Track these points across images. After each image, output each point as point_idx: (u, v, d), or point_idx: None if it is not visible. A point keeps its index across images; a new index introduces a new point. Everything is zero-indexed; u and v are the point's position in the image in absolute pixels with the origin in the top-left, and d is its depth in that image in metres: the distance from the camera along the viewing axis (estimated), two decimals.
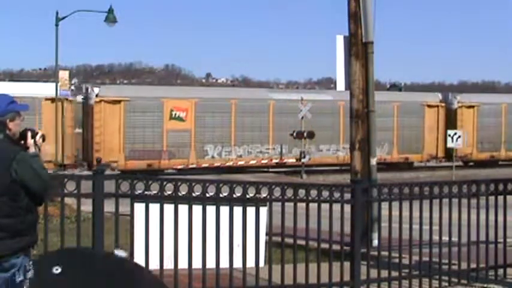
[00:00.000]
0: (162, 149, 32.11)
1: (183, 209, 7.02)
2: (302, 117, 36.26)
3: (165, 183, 7.03)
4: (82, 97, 33.08)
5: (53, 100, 29.88)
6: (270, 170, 35.46)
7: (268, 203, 7.45)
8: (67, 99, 31.00)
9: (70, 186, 6.54)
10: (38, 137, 4.51)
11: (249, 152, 34.22)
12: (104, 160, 29.71)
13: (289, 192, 7.51)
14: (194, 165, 32.55)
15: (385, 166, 36.71)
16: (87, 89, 33.18)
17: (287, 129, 34.32)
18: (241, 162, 33.90)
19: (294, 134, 36.42)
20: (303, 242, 7.62)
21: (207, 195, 7.16)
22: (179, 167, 32.39)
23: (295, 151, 35.27)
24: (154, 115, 31.96)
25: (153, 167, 31.79)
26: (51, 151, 29.15)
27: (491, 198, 8.63)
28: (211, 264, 7.01)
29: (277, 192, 7.41)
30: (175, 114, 32.46)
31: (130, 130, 31.69)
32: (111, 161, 31.12)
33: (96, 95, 31.42)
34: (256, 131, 34.22)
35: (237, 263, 7.19)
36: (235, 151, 33.77)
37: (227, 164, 33.21)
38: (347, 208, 7.79)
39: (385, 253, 8.08)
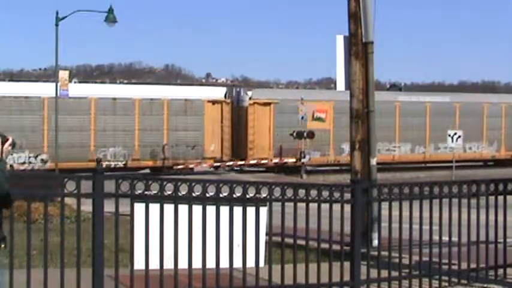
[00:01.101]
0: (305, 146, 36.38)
1: (183, 209, 7.02)
2: (302, 117, 36.33)
3: (165, 183, 7.03)
4: (232, 100, 36.80)
5: (214, 102, 34.88)
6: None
7: (268, 203, 7.45)
8: (225, 101, 35.32)
9: (70, 186, 6.54)
10: (7, 144, 4.52)
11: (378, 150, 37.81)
12: (255, 156, 34.92)
13: (289, 192, 7.51)
14: (333, 162, 37.18)
15: (493, 163, 40.13)
16: (238, 92, 37.21)
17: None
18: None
19: (294, 134, 36.50)
20: (303, 242, 7.62)
21: (207, 195, 7.16)
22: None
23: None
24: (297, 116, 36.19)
25: (297, 163, 36.09)
26: (213, 148, 34.79)
27: (491, 198, 8.63)
28: (211, 264, 7.01)
29: (277, 192, 7.41)
30: (316, 115, 36.90)
31: (278, 129, 36.01)
32: (261, 157, 35.29)
33: (250, 98, 35.86)
34: (385, 131, 37.17)
35: (237, 263, 7.19)
36: None
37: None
38: (347, 208, 7.79)
39: (385, 253, 8.08)
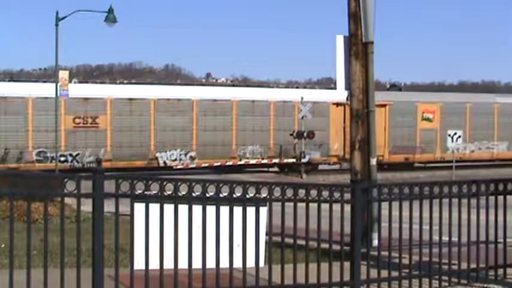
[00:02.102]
0: (416, 145, 39.77)
1: (183, 209, 7.02)
2: (302, 117, 36.34)
3: (165, 183, 7.03)
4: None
5: (337, 104, 36.89)
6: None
7: (268, 203, 7.45)
8: (347, 104, 35.17)
9: (70, 186, 6.54)
10: None
11: (479, 148, 41.66)
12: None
13: (289, 192, 7.50)
14: (439, 159, 40.03)
15: None
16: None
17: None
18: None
19: (294, 134, 36.53)
20: (303, 242, 7.62)
21: (207, 195, 7.16)
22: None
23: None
24: (410, 117, 39.49)
25: (409, 160, 39.65)
26: (336, 146, 37.98)
27: (491, 198, 8.63)
28: (211, 264, 7.01)
29: (277, 192, 7.41)
30: (425, 116, 40.40)
31: (392, 130, 38.97)
32: (378, 155, 36.21)
33: None
34: (484, 129, 41.38)
35: (237, 263, 7.20)
36: (468, 147, 40.63)
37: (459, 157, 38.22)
38: (347, 208, 7.79)
39: (385, 253, 8.08)
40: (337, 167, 38.72)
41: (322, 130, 37.86)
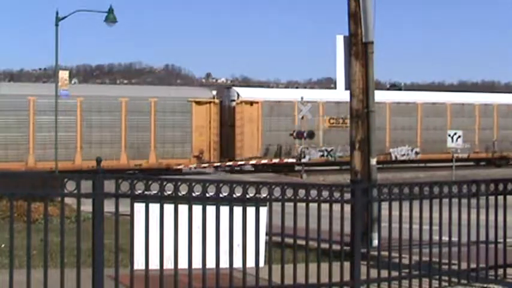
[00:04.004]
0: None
1: (183, 209, 7.02)
2: (302, 117, 36.33)
3: (165, 183, 7.03)
4: None
5: None
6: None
7: (268, 203, 7.45)
8: None
9: (70, 186, 6.54)
10: None
11: None
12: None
13: (289, 192, 7.50)
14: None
15: None
16: None
17: None
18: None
19: (294, 134, 36.52)
20: (303, 242, 7.62)
21: (207, 195, 7.16)
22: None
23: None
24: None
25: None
26: None
27: (491, 198, 8.63)
28: (211, 264, 7.01)
29: (277, 192, 7.41)
30: None
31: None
32: None
33: None
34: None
35: (237, 263, 7.19)
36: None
37: None
38: (347, 208, 7.79)
39: (385, 253, 8.08)
40: (337, 167, 38.73)
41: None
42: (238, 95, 36.96)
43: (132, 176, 7.01)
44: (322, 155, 37.93)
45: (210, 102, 36.21)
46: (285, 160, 37.22)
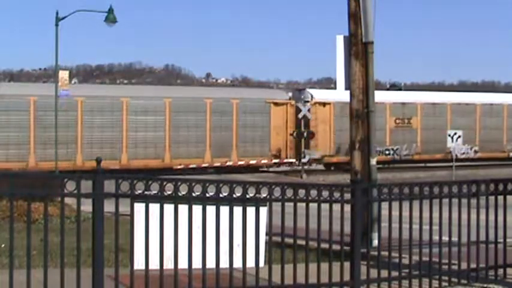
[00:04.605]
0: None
1: (183, 209, 7.02)
2: (302, 117, 36.35)
3: (165, 183, 7.03)
4: None
5: None
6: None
7: (268, 203, 7.45)
8: None
9: (70, 186, 6.54)
10: None
11: None
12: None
13: (289, 192, 7.50)
14: None
15: None
16: None
17: None
18: None
19: (294, 134, 36.53)
20: (303, 242, 7.62)
21: (207, 195, 7.16)
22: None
23: None
24: None
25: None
26: None
27: (491, 198, 8.63)
28: (211, 264, 7.01)
29: (277, 192, 7.41)
30: None
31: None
32: None
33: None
34: None
35: (237, 263, 7.19)
36: None
37: None
38: (347, 208, 7.79)
39: (385, 253, 8.08)
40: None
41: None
42: (311, 96, 38.76)
43: (132, 176, 7.00)
44: (388, 154, 39.68)
45: (286, 104, 37.87)
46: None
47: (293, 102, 37.96)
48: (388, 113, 40.21)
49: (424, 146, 41.09)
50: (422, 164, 41.09)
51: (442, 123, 41.02)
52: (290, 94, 39.23)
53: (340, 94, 41.06)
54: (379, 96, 41.88)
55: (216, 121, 36.37)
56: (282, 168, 38.72)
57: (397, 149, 40.30)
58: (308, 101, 37.96)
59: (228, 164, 36.27)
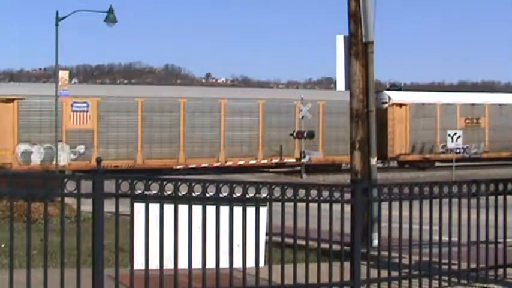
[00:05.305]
0: None
1: (183, 209, 7.02)
2: (302, 117, 36.35)
3: (165, 183, 7.03)
4: None
5: None
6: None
7: (268, 203, 7.45)
8: None
9: (70, 186, 6.54)
10: None
11: None
12: None
13: (289, 192, 7.50)
14: None
15: None
16: None
17: None
18: None
19: (294, 134, 36.53)
20: (303, 242, 7.61)
21: (207, 195, 7.16)
22: None
23: None
24: None
25: None
26: None
27: (491, 198, 8.63)
28: (211, 264, 7.01)
29: (277, 192, 7.41)
30: None
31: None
32: None
33: None
34: None
35: (237, 263, 7.19)
36: None
37: None
38: (347, 208, 7.79)
39: (385, 253, 8.08)
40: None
41: None
42: (389, 98, 40.97)
43: (132, 176, 6.99)
44: (459, 152, 40.85)
45: None
46: (427, 156, 40.83)
47: None
48: (458, 113, 42.51)
49: (491, 144, 43.27)
50: (491, 162, 42.73)
51: (509, 123, 43.09)
52: None
53: (416, 96, 41.47)
54: (450, 97, 43.77)
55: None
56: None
57: (466, 148, 41.73)
58: (386, 102, 40.47)
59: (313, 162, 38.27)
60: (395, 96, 41.91)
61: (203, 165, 35.90)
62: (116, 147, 34.41)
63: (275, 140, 37.45)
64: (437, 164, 41.97)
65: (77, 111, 33.72)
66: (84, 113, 33.87)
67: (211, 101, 36.49)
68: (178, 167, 35.23)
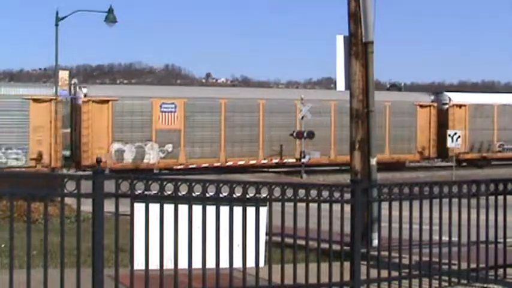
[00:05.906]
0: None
1: (183, 209, 7.02)
2: (302, 117, 36.34)
3: (165, 183, 7.03)
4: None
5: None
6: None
7: (268, 203, 7.45)
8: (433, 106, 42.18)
9: (70, 186, 6.54)
10: None
11: None
12: None
13: (289, 192, 7.50)
14: None
15: None
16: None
17: None
18: None
19: (294, 134, 36.54)
20: (303, 242, 7.61)
21: (207, 195, 7.16)
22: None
23: None
24: None
25: None
26: None
27: (491, 198, 8.63)
28: (211, 264, 7.01)
29: (277, 192, 7.41)
30: None
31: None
32: None
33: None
34: None
35: (237, 263, 7.20)
36: None
37: None
38: (347, 208, 7.79)
39: (385, 253, 8.08)
40: (337, 167, 39.29)
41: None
42: (449, 99, 42.34)
43: (131, 176, 6.99)
44: (499, 151, 42.75)
45: (429, 106, 41.73)
46: (484, 154, 42.11)
47: (435, 104, 41.55)
48: (496, 114, 43.67)
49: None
50: None
51: None
52: (433, 97, 42.55)
53: (474, 97, 43.19)
54: (507, 98, 44.90)
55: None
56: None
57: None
58: (446, 103, 41.85)
59: (380, 160, 39.57)
60: (456, 97, 43.11)
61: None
62: (201, 147, 35.48)
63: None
64: (493, 162, 43.35)
65: (165, 112, 34.68)
66: (172, 113, 34.88)
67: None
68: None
